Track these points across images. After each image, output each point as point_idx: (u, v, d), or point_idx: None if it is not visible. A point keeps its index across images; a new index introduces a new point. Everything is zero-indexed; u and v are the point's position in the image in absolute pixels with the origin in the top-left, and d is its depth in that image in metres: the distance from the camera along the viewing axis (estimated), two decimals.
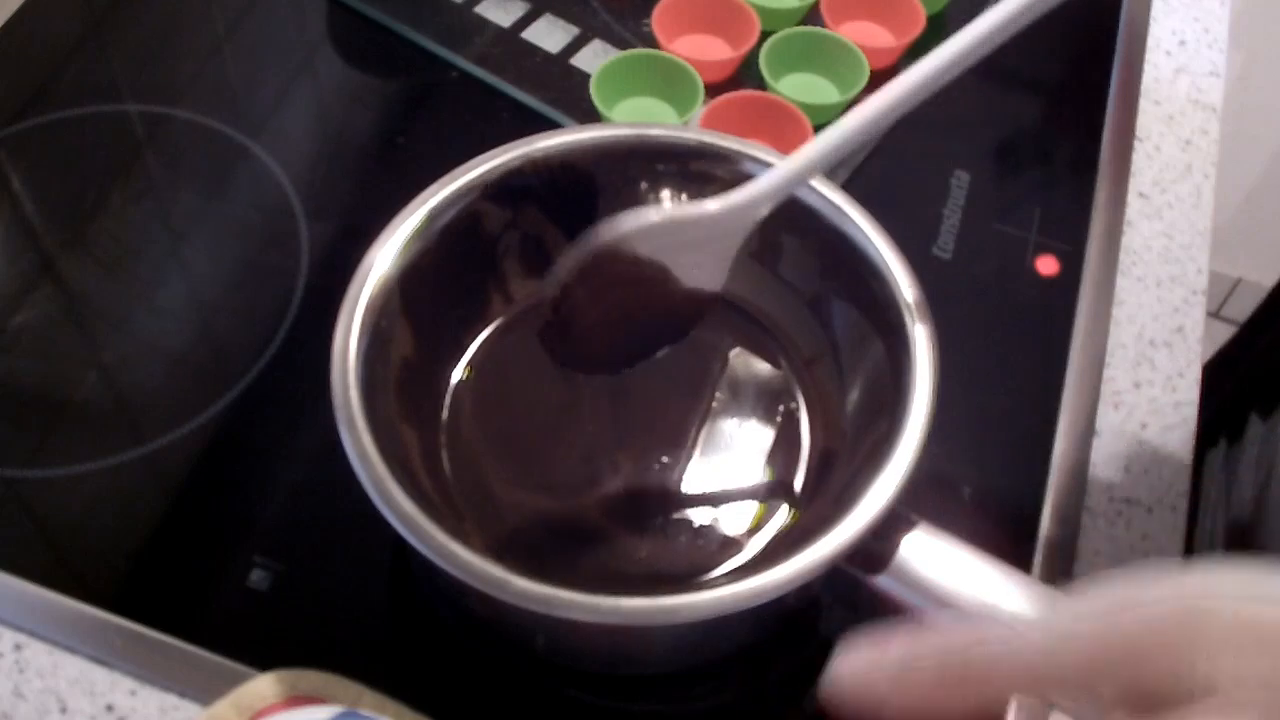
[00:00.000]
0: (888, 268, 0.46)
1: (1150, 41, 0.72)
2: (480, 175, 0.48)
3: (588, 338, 0.46)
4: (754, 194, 0.44)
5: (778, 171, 0.44)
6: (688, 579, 0.46)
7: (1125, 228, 0.63)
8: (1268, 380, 0.57)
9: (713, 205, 0.44)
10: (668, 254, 0.44)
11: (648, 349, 0.48)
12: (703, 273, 0.45)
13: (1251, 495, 0.57)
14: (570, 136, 0.49)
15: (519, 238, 0.51)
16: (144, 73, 0.68)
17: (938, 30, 0.69)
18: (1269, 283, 0.82)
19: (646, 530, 0.47)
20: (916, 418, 0.42)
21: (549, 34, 0.68)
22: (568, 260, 0.43)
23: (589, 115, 0.63)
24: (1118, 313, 0.60)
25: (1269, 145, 1.38)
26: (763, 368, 0.52)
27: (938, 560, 0.40)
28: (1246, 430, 0.64)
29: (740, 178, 0.50)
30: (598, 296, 0.44)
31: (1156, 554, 0.52)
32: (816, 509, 0.48)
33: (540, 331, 0.45)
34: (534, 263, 0.52)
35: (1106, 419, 0.56)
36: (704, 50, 0.66)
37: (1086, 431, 0.55)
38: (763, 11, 0.66)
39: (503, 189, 0.49)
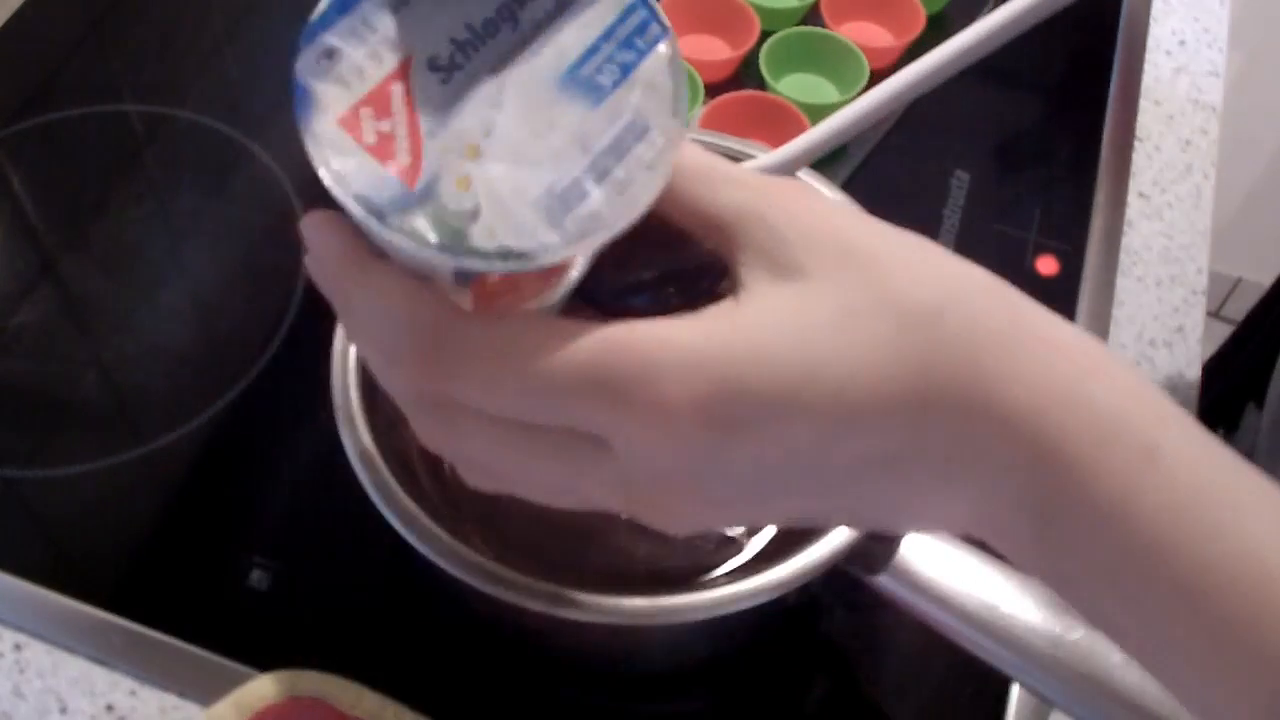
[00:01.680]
0: None
1: (1150, 41, 0.72)
2: None
3: (602, 276, 0.46)
4: (769, 163, 0.44)
5: (779, 153, 0.44)
6: (688, 579, 0.46)
7: (1125, 228, 0.63)
8: (1265, 372, 0.57)
9: None
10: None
11: (662, 302, 0.48)
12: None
13: None
14: None
15: None
16: (144, 73, 0.68)
17: (938, 30, 0.69)
18: (1268, 282, 0.82)
19: (646, 530, 0.47)
20: None
21: None
22: None
23: None
24: (1118, 313, 0.60)
25: (1269, 145, 1.39)
26: None
27: (937, 560, 0.40)
28: (1243, 420, 0.64)
29: None
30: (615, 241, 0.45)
31: None
32: None
33: None
34: None
35: None
36: (704, 50, 0.66)
37: None
38: (763, 11, 0.66)
39: None
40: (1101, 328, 0.59)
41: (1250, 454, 0.58)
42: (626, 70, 0.28)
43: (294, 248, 0.65)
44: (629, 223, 0.27)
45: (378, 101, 0.27)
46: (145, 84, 0.68)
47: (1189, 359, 0.58)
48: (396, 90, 0.27)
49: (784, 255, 0.27)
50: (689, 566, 0.47)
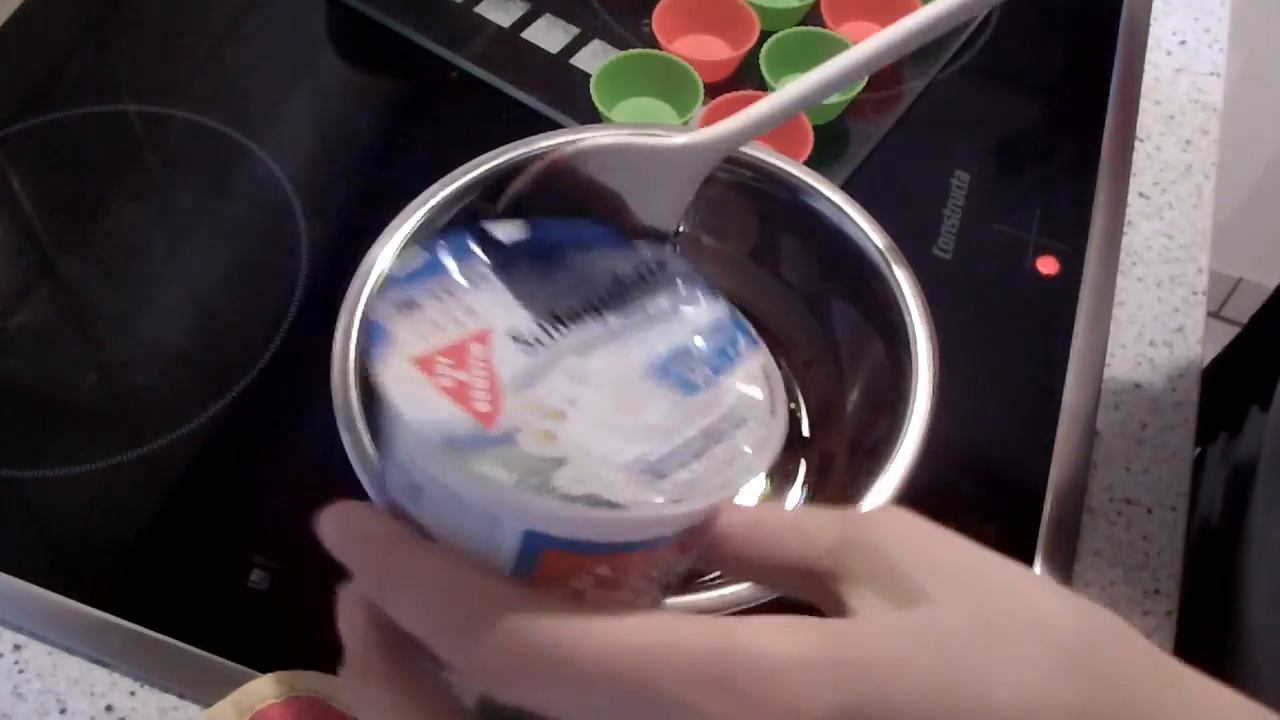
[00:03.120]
0: (888, 268, 0.46)
1: (1150, 41, 0.72)
2: (480, 175, 0.48)
3: None
4: (717, 134, 0.44)
5: (743, 115, 0.44)
6: (688, 579, 0.46)
7: (1125, 228, 0.63)
8: (1271, 375, 0.57)
9: (675, 139, 0.44)
10: (624, 184, 0.44)
11: None
12: (657, 211, 0.45)
13: (1243, 483, 0.58)
14: (570, 137, 0.49)
15: None
16: (144, 73, 0.68)
17: None
18: (1269, 282, 0.82)
19: None
20: (916, 418, 0.42)
21: (549, 34, 0.68)
22: (524, 174, 0.43)
23: (589, 115, 0.63)
24: (1118, 313, 0.60)
25: (1269, 145, 1.38)
26: None
27: None
28: (1246, 423, 0.64)
29: (740, 178, 0.50)
30: (549, 211, 0.45)
31: (1156, 554, 0.52)
32: None
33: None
34: None
35: (1106, 419, 0.56)
36: (704, 50, 0.66)
37: (1086, 431, 0.55)
38: (763, 11, 0.66)
39: (502, 189, 0.49)
40: (1101, 328, 0.59)
41: (1255, 457, 0.58)
42: (717, 372, 0.26)
43: (294, 248, 0.65)
44: (737, 490, 0.24)
45: (456, 354, 0.25)
46: (145, 84, 0.68)
47: (1189, 359, 0.58)
48: (476, 349, 0.25)
49: (900, 580, 0.25)
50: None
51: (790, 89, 0.44)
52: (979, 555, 0.26)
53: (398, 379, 0.23)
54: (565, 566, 0.23)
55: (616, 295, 0.27)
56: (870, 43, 0.43)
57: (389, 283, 0.26)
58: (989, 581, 0.25)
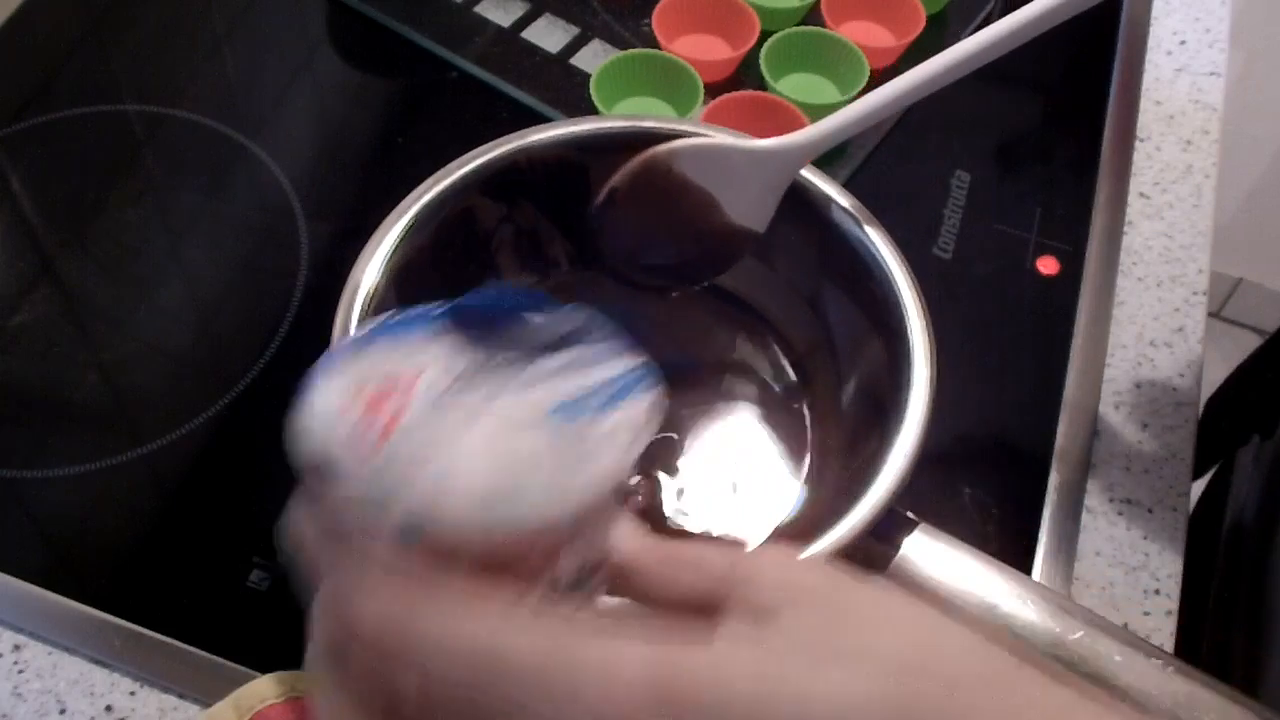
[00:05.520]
0: (888, 267, 0.46)
1: (1151, 41, 0.72)
2: (474, 170, 0.48)
3: (628, 245, 0.46)
4: (807, 137, 0.44)
5: (832, 120, 0.44)
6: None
7: (1125, 228, 0.63)
8: None
9: (765, 142, 0.45)
10: (716, 184, 0.45)
11: (687, 276, 0.49)
12: (748, 210, 0.46)
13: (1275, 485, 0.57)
14: (563, 130, 0.49)
15: (513, 232, 0.51)
16: (144, 73, 0.68)
17: (938, 30, 0.69)
18: (1269, 283, 0.81)
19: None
20: (915, 418, 0.42)
21: (549, 34, 0.68)
22: (620, 171, 0.44)
23: (589, 115, 0.63)
24: (1118, 313, 0.60)
25: (1269, 145, 1.38)
26: (763, 367, 0.52)
27: (938, 561, 0.40)
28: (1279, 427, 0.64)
29: None
30: (642, 205, 0.45)
31: (1156, 554, 0.52)
32: (816, 509, 0.47)
33: (590, 230, 0.46)
34: (528, 257, 0.52)
35: (1106, 419, 0.56)
36: (704, 50, 0.66)
37: (1087, 431, 0.55)
38: (763, 11, 0.66)
39: (497, 183, 0.49)
40: (1101, 328, 0.59)
41: None
42: (600, 411, 0.28)
43: (294, 248, 0.65)
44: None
45: (385, 390, 0.31)
46: (145, 84, 0.68)
47: (1189, 359, 0.58)
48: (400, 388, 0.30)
49: (759, 602, 0.26)
50: None
51: (876, 94, 0.44)
52: (842, 579, 0.26)
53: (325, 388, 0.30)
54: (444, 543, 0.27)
55: (538, 352, 0.30)
56: (961, 46, 0.44)
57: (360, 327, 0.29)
58: (842, 601, 0.26)
